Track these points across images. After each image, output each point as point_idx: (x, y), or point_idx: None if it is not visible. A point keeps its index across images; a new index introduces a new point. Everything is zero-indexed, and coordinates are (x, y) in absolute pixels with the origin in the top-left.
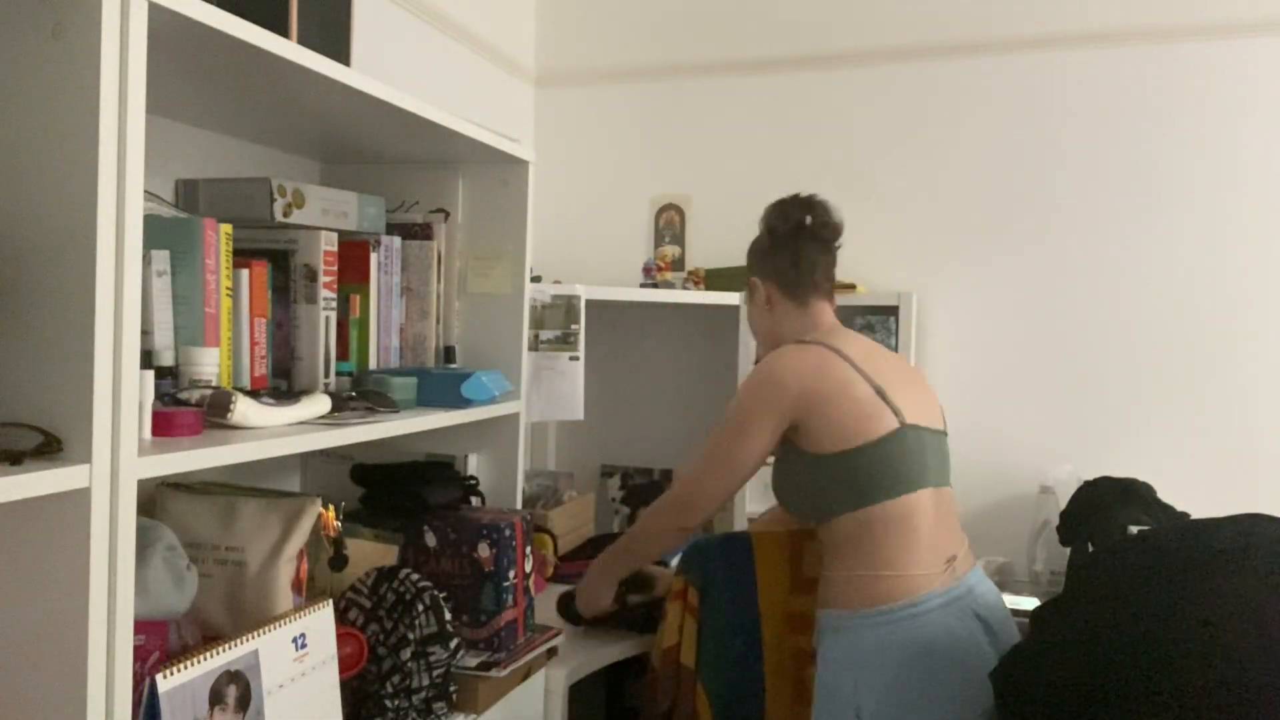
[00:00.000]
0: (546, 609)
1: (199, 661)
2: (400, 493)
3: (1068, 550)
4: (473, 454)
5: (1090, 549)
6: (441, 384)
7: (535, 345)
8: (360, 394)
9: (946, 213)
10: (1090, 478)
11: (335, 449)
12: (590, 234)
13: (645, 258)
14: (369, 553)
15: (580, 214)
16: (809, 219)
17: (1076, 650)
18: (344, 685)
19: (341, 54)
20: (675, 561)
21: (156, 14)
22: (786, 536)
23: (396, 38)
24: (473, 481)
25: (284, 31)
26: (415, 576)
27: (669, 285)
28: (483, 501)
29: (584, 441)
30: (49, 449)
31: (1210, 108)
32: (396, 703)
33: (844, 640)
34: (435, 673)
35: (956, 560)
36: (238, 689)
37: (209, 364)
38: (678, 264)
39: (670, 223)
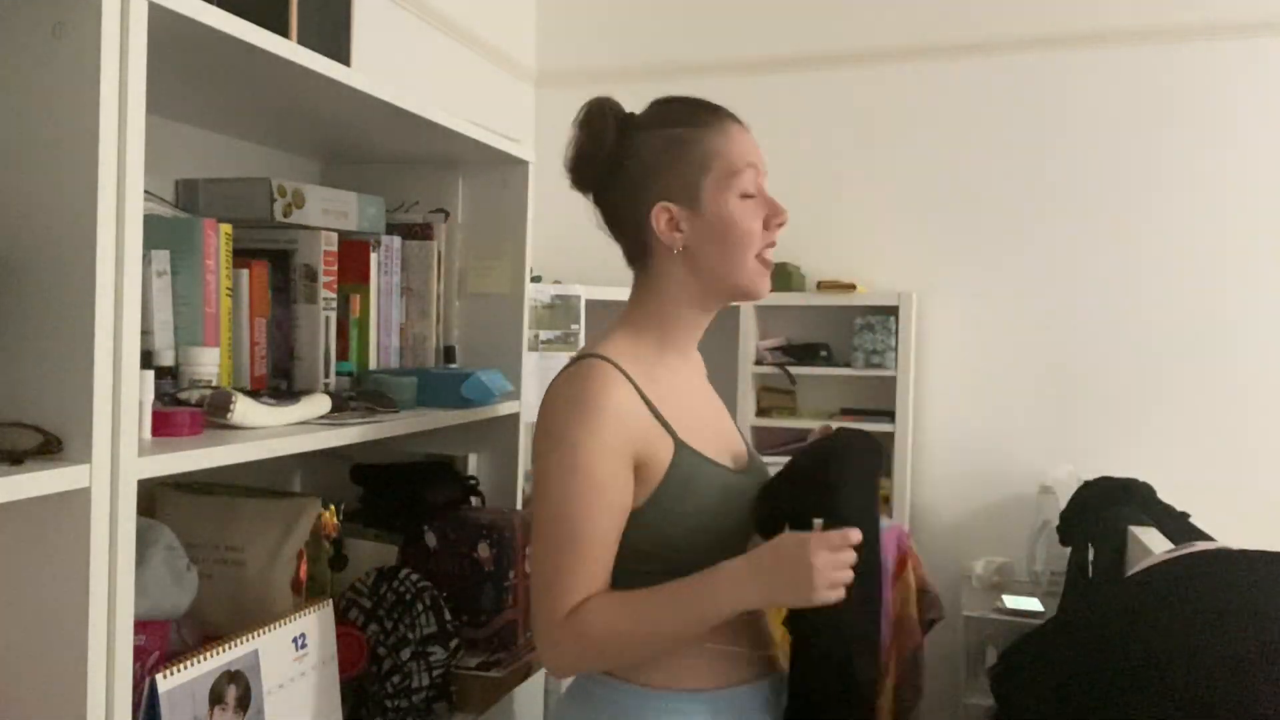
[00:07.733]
0: None
1: (199, 661)
2: (400, 493)
3: (1068, 550)
4: (473, 454)
5: (1090, 549)
6: (441, 384)
7: (535, 345)
8: (360, 394)
9: (946, 213)
10: (1090, 478)
11: (335, 449)
12: (590, 234)
13: None
14: (369, 553)
15: (580, 214)
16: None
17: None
18: (344, 685)
19: (341, 54)
20: None
21: (156, 14)
22: None
23: (396, 38)
24: (473, 481)
25: (284, 31)
26: (415, 576)
27: None
28: (483, 501)
29: None
30: (49, 449)
31: (1209, 108)
32: (396, 703)
33: None
34: (435, 673)
35: None
36: (237, 689)
37: (209, 364)
38: None
39: None
